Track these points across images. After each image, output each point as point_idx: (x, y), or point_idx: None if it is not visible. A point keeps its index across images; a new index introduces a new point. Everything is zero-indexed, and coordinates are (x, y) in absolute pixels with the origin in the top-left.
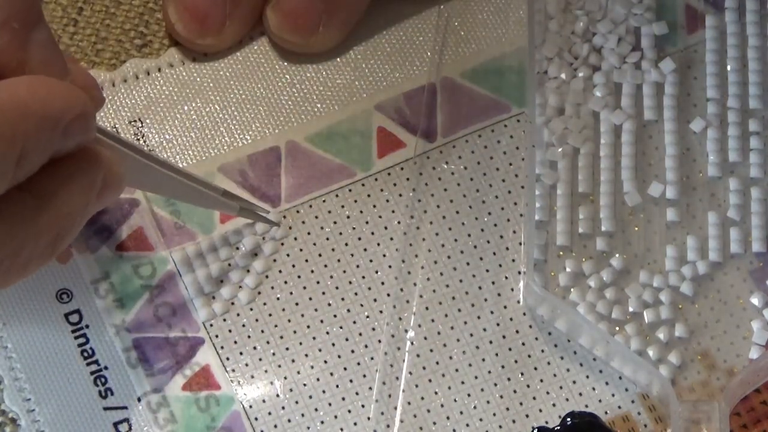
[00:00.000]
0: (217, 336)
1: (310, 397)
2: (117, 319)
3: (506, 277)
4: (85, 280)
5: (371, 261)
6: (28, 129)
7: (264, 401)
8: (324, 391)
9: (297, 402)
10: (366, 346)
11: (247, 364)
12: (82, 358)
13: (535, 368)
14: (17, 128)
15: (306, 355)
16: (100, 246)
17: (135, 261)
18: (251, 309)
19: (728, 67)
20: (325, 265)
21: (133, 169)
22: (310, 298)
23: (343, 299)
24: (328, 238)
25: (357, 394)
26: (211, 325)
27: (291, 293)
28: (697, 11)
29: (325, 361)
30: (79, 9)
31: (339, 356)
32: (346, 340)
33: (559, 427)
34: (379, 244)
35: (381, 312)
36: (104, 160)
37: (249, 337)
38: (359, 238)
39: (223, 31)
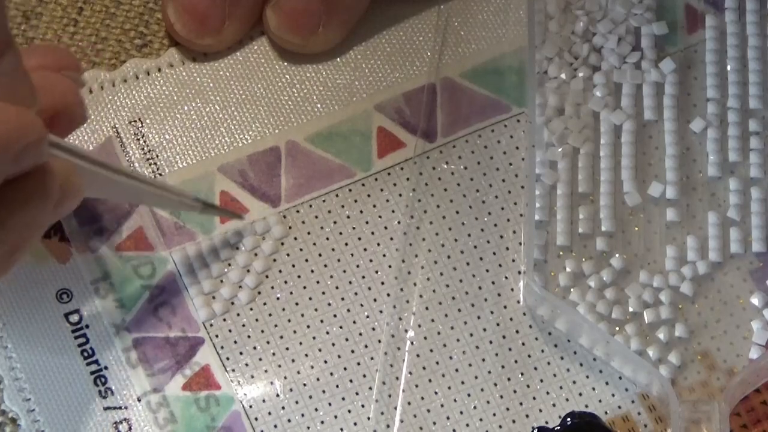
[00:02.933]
0: (217, 336)
1: (310, 397)
2: (117, 319)
3: (506, 277)
4: (85, 280)
5: (371, 261)
6: None
7: (264, 401)
8: (324, 391)
9: (297, 402)
10: (366, 346)
11: (247, 364)
12: (82, 358)
13: (535, 368)
14: None
15: (306, 355)
16: (100, 246)
17: (135, 261)
18: (251, 309)
19: (728, 67)
20: (325, 265)
21: (89, 179)
22: (310, 298)
23: (343, 299)
24: (328, 238)
25: (357, 394)
26: (211, 325)
27: (291, 293)
28: (697, 11)
29: (325, 361)
30: (79, 9)
31: (339, 356)
32: (346, 340)
33: (559, 427)
34: (379, 244)
35: (381, 312)
36: (59, 172)
37: (249, 337)
38: (359, 238)
39: (223, 31)
